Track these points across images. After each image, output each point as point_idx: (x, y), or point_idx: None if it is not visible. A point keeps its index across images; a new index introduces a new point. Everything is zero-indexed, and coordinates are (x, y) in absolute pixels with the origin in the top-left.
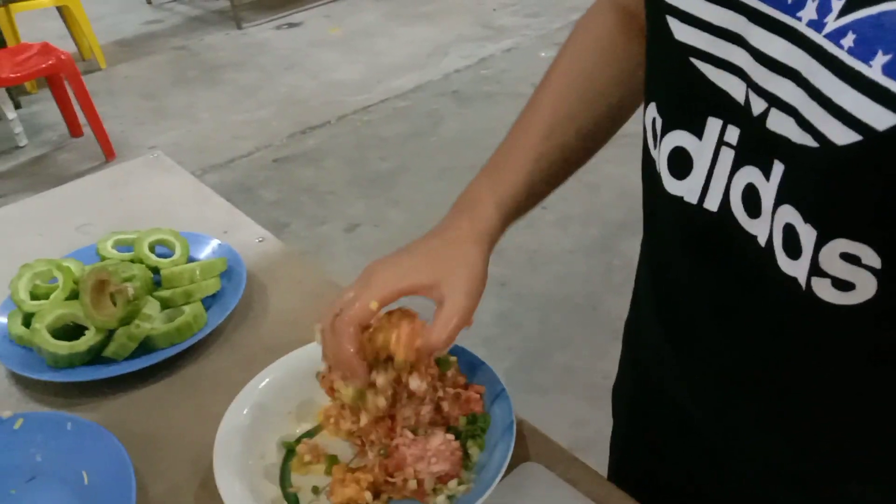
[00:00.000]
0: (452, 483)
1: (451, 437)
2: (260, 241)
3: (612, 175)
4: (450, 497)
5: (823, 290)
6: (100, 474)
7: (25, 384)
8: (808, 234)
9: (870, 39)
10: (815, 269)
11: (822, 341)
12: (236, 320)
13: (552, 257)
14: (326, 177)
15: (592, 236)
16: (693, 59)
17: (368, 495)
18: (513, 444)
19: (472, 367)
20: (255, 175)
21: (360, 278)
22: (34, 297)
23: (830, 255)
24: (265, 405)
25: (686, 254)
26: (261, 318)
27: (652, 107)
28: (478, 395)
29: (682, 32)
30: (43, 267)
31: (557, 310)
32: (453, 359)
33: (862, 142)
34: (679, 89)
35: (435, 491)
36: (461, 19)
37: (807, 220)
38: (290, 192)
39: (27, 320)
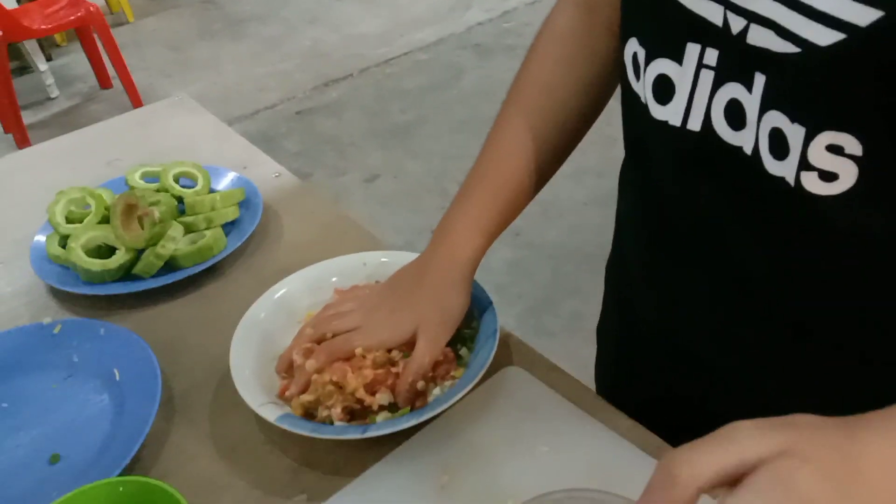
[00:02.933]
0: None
1: None
2: (276, 177)
3: None
4: (441, 389)
5: (811, 182)
6: (129, 372)
7: (63, 297)
8: (795, 133)
9: None
10: (804, 164)
11: (809, 236)
12: (253, 245)
13: (566, 209)
14: (347, 128)
15: (606, 188)
16: None
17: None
18: (495, 347)
19: None
20: (278, 126)
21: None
22: (69, 221)
23: (818, 149)
24: (280, 311)
25: (677, 175)
26: (275, 243)
27: (632, 42)
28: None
29: None
30: (77, 194)
31: (569, 259)
32: None
33: (845, 40)
34: (658, 21)
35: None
36: None
37: (794, 120)
38: (312, 143)
39: (63, 241)
